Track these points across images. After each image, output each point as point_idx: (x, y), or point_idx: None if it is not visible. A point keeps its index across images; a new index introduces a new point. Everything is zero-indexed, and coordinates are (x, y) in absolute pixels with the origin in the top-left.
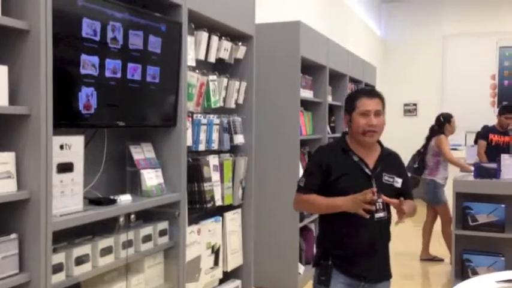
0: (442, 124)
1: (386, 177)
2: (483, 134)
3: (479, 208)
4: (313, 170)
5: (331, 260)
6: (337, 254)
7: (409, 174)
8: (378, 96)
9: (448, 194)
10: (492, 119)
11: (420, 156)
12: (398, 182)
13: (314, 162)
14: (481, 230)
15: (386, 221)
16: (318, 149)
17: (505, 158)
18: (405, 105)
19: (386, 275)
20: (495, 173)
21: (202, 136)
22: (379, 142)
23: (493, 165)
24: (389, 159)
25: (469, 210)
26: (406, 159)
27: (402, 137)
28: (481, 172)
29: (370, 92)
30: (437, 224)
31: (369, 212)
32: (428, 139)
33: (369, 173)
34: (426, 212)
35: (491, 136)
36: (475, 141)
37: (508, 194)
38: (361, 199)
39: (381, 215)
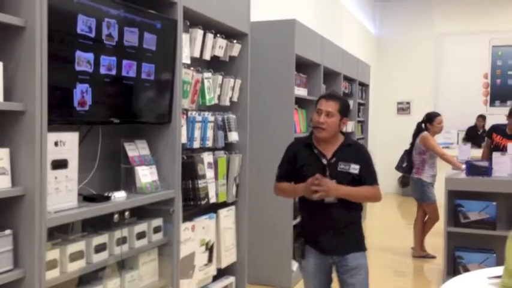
0: (425, 123)
1: (341, 166)
2: (488, 131)
3: (470, 206)
4: (283, 162)
5: (304, 237)
6: (306, 233)
7: (400, 174)
8: (335, 99)
9: (440, 192)
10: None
11: (408, 155)
12: (355, 169)
13: (285, 155)
14: (473, 228)
15: (344, 206)
16: (290, 143)
17: (496, 155)
18: (399, 103)
19: (355, 249)
20: (487, 171)
21: (197, 133)
22: (345, 136)
23: (485, 163)
24: (347, 150)
25: (460, 207)
26: (399, 156)
27: (395, 135)
28: (472, 170)
29: (329, 95)
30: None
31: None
32: (415, 136)
33: (325, 162)
34: (416, 210)
35: (494, 135)
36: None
37: (499, 192)
38: (308, 185)
39: (330, 199)
